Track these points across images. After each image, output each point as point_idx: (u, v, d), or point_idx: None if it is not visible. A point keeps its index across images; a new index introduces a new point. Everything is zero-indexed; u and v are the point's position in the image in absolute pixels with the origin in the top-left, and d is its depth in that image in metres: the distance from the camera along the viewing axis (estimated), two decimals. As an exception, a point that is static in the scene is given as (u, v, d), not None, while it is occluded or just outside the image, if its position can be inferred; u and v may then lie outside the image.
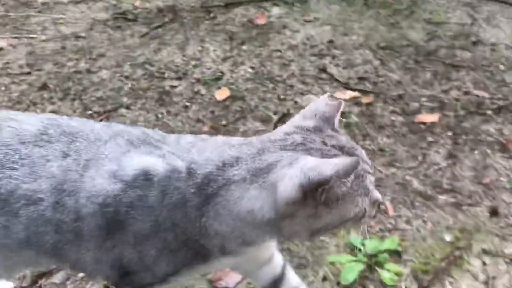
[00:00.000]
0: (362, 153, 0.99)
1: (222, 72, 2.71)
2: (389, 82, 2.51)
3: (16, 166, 1.00)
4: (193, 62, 2.81)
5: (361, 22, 3.06)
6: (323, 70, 2.66)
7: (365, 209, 0.95)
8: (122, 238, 0.98)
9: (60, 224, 0.99)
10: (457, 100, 2.34)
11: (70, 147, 1.01)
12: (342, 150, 0.96)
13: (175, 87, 2.63)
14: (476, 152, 2.04)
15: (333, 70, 2.66)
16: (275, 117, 2.33)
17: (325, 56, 2.78)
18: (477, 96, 2.36)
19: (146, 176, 0.96)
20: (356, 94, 2.44)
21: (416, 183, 1.91)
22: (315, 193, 0.87)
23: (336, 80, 2.56)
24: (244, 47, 2.92)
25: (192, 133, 2.10)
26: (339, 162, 0.86)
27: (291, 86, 2.56)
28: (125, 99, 2.48)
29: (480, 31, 2.89)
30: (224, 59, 2.82)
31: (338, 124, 1.02)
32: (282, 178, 0.89)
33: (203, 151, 0.98)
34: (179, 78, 2.69)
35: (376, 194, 0.99)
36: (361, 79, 2.57)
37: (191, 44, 2.99)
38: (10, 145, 1.01)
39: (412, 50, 2.75)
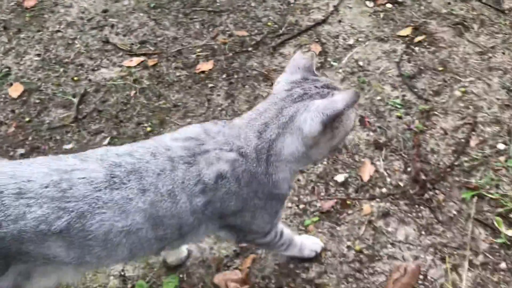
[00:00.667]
0: (339, 85, 1.37)
1: (8, 67, 2.74)
2: (167, 40, 2.84)
3: (105, 211, 1.18)
4: (-27, 64, 2.77)
5: (128, -15, 3.26)
6: (106, 41, 2.86)
7: (354, 121, 1.36)
8: (226, 217, 1.34)
9: (163, 237, 1.29)
10: (224, 44, 2.78)
11: (143, 182, 1.22)
12: (329, 87, 1.32)
13: (-37, 95, 2.61)
14: (246, 87, 2.53)
15: (115, 39, 2.88)
16: (75, 100, 2.52)
17: (104, 26, 2.96)
18: (239, 36, 2.83)
19: (221, 177, 1.26)
20: (141, 58, 2.73)
21: (208, 126, 2.36)
22: (332, 123, 1.25)
23: (120, 49, 2.80)
24: (23, 35, 2.94)
25: None
26: (345, 96, 1.23)
27: (81, 65, 2.73)
28: None
29: (231, -27, 3.32)
30: (6, 53, 2.83)
31: (315, 70, 1.38)
32: (305, 122, 1.24)
33: (239, 135, 1.29)
34: (-36, 85, 2.66)
35: (356, 111, 1.38)
36: (142, 42, 2.84)
37: (-37, 43, 2.90)
38: (89, 195, 1.18)
39: (179, 4, 3.08)
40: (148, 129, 2.33)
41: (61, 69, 2.71)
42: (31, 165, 1.23)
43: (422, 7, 2.92)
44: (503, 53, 2.58)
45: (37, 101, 2.54)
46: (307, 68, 1.36)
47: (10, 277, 1.26)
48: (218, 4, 3.05)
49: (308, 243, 1.81)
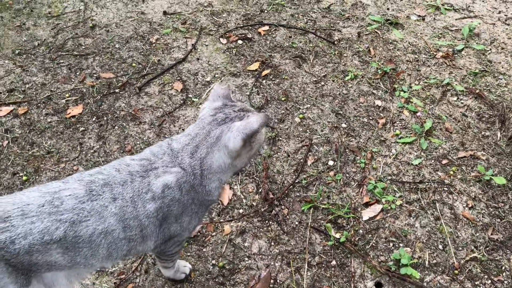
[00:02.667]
0: (251, 107, 1.74)
1: None
2: (36, 87, 2.99)
3: (88, 218, 1.50)
4: None
5: (-11, 31, 3.33)
6: (-28, 92, 2.93)
7: (266, 133, 1.70)
8: (168, 222, 1.67)
9: (131, 237, 1.61)
10: (92, 87, 3.00)
11: (114, 193, 1.55)
12: (244, 110, 1.68)
13: None
14: (116, 127, 2.78)
15: (-19, 89, 2.96)
16: None
17: (-32, 76, 3.02)
18: (105, 78, 3.06)
19: (167, 187, 1.59)
20: (11, 108, 2.85)
21: (81, 168, 2.57)
22: (250, 138, 1.59)
23: (-12, 98, 2.89)
24: None
25: None
26: (259, 118, 1.59)
27: None
28: None
29: (94, 15, 3.53)
30: None
31: (231, 97, 1.74)
32: (229, 140, 1.59)
33: (176, 155, 1.64)
34: None
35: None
36: (10, 91, 2.96)
37: None
38: (76, 207, 1.50)
39: (45, 49, 3.23)
40: (24, 178, 2.50)
41: None
42: (25, 193, 1.53)
43: (268, 42, 3.38)
44: (333, 81, 3.12)
45: None
46: (226, 96, 1.74)
47: (37, 286, 1.59)
48: (83, 47, 3.25)
49: (180, 267, 2.15)
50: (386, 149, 2.72)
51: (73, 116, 2.82)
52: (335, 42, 3.40)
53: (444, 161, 2.64)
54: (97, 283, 2.13)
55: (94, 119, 2.82)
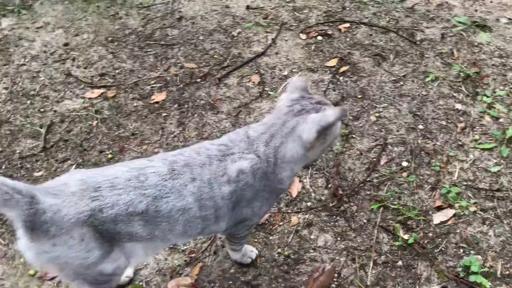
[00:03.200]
0: (328, 101, 1.78)
1: (-21, 100, 3.04)
2: (125, 72, 3.20)
3: (169, 195, 1.62)
4: None
5: (87, 19, 3.59)
6: (69, 74, 3.19)
7: (340, 127, 1.77)
8: (240, 205, 1.76)
9: (206, 217, 1.71)
10: (176, 75, 3.16)
11: (193, 173, 1.65)
12: (321, 103, 1.71)
13: None
14: (195, 115, 2.92)
15: (77, 72, 3.21)
16: (43, 130, 2.84)
17: (66, 60, 3.29)
18: (188, 68, 3.21)
19: (242, 172, 1.68)
20: (101, 90, 3.07)
21: (161, 151, 2.73)
22: (325, 131, 1.63)
23: (82, 81, 3.13)
24: (-10, 69, 3.23)
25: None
26: (335, 112, 1.61)
27: (47, 97, 3.05)
28: None
29: (181, 7, 3.69)
30: (-25, 86, 3.12)
31: (310, 89, 1.77)
32: (303, 131, 1.64)
33: (252, 143, 1.72)
34: None
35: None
36: (102, 75, 3.19)
37: None
38: (159, 184, 1.61)
39: (135, 37, 3.43)
40: (110, 156, 2.69)
41: (28, 101, 3.02)
42: (114, 168, 1.67)
43: (348, 39, 3.38)
44: (412, 81, 3.06)
45: (8, 132, 2.85)
46: (304, 88, 1.77)
47: (118, 254, 1.71)
48: (169, 37, 3.42)
49: (247, 251, 2.23)
50: (464, 154, 2.64)
51: (157, 102, 2.99)
52: (417, 42, 3.33)
53: (527, 171, 2.52)
54: (169, 259, 2.26)
55: (176, 106, 2.97)
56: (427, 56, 3.22)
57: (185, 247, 2.31)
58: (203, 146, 1.78)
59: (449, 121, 2.81)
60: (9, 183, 1.52)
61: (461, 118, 2.81)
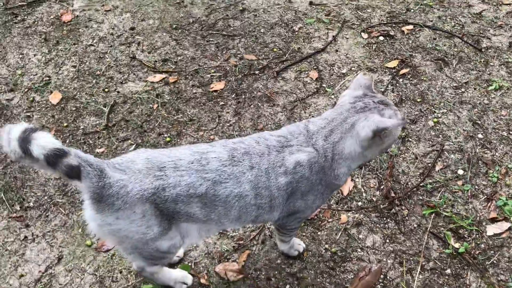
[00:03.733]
0: (391, 101, 1.79)
1: (48, 76, 3.19)
2: (186, 60, 3.28)
3: (228, 181, 1.68)
4: (18, 72, 3.22)
5: (153, 5, 3.69)
6: (133, 57, 3.30)
7: (399, 133, 1.81)
8: (295, 197, 1.79)
9: (260, 205, 1.76)
10: (235, 66, 3.21)
11: (252, 162, 1.70)
12: (383, 103, 1.72)
13: (10, 100, 3.06)
14: (252, 106, 2.96)
15: (141, 56, 3.31)
16: (106, 109, 2.96)
17: (131, 43, 3.40)
18: (248, 59, 3.26)
19: (299, 165, 1.71)
20: (163, 75, 3.17)
21: (216, 138, 2.79)
22: (380, 133, 1.64)
23: (145, 65, 3.24)
24: (60, 47, 3.38)
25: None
26: (394, 120, 1.64)
27: (111, 78, 3.18)
28: (-29, 123, 2.87)
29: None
30: (46, 63, 3.28)
31: (373, 88, 1.77)
32: (363, 128, 1.66)
33: (311, 136, 1.74)
34: (11, 90, 3.11)
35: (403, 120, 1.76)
36: (164, 60, 3.28)
37: (9, 52, 3.35)
38: (219, 169, 1.67)
39: (198, 26, 3.51)
40: (168, 139, 2.77)
41: (94, 80, 3.15)
42: (178, 150, 1.73)
43: (411, 41, 3.34)
44: (475, 89, 2.99)
45: (73, 108, 2.99)
46: (368, 86, 1.78)
47: (174, 233, 1.79)
48: (231, 28, 3.47)
49: (295, 244, 2.26)
50: (524, 167, 2.56)
51: (215, 91, 3.05)
52: (482, 50, 3.24)
53: None
54: (218, 244, 2.32)
55: (233, 95, 3.02)
56: (492, 64, 3.14)
57: (234, 233, 2.36)
58: (262, 136, 1.82)
59: (511, 132, 2.73)
60: (81, 155, 1.61)
61: (524, 130, 2.73)
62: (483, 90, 2.97)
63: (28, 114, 2.96)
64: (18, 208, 2.49)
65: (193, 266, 2.26)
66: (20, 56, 3.31)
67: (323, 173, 1.78)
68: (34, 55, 3.32)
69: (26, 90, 3.10)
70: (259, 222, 1.99)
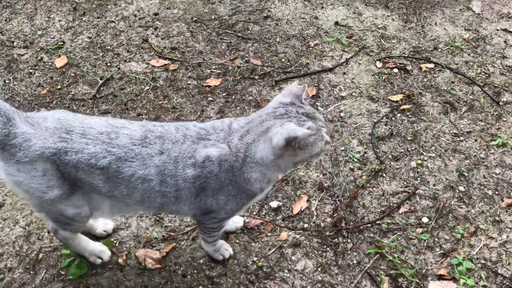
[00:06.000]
0: (320, 115, 1.72)
1: (63, 42, 3.33)
2: (194, 52, 3.30)
3: (133, 161, 1.66)
4: (39, 32, 3.39)
5: (183, -4, 3.77)
6: (145, 40, 3.37)
7: (321, 148, 1.70)
8: (205, 194, 1.74)
9: (165, 193, 1.72)
10: (238, 67, 3.19)
11: (163, 147, 1.67)
12: (308, 115, 1.64)
13: (22, 55, 3.22)
14: (238, 108, 2.92)
15: (153, 40, 3.38)
16: (100, 81, 3.04)
17: (149, 27, 3.49)
18: (253, 64, 3.22)
19: (208, 159, 1.67)
20: (166, 62, 3.21)
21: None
22: (292, 142, 1.57)
23: (154, 49, 3.30)
24: (85, 18, 3.53)
25: (32, 95, 2.78)
26: (304, 130, 1.54)
27: (118, 54, 3.26)
28: (-23, 68, 3.05)
29: (272, 7, 3.72)
30: (66, 29, 3.43)
31: (303, 99, 1.70)
32: (276, 135, 1.58)
33: (230, 134, 1.69)
34: (26, 47, 3.28)
35: (327, 138, 1.70)
36: (173, 49, 3.32)
37: (39, 14, 3.53)
38: (127, 147, 1.66)
39: (217, 24, 3.53)
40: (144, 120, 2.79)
41: (101, 53, 3.25)
42: (94, 119, 1.72)
43: (426, 80, 3.16)
44: (475, 140, 2.77)
45: (72, 74, 3.09)
46: (297, 96, 1.69)
47: (81, 202, 1.79)
48: (249, 32, 3.46)
49: (222, 247, 2.18)
50: (497, 232, 2.32)
51: (209, 86, 3.04)
52: (500, 103, 3.00)
53: None
54: (150, 230, 2.29)
55: (224, 94, 3.00)
56: (504, 119, 2.89)
57: (169, 224, 2.32)
58: (185, 125, 1.77)
59: (497, 192, 2.49)
60: None
61: (512, 194, 2.48)
62: (484, 144, 2.74)
63: (31, 71, 3.10)
64: (-15, 152, 2.60)
65: (117, 245, 2.24)
66: (47, 19, 3.49)
67: (232, 173, 1.71)
68: (59, 20, 3.49)
69: (38, 49, 3.25)
70: (168, 212, 1.94)
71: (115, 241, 2.24)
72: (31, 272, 2.12)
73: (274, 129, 1.62)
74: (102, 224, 2.24)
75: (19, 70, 3.10)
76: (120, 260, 2.16)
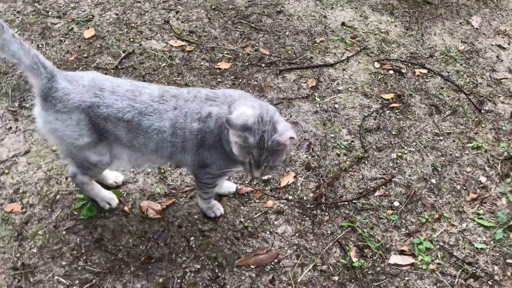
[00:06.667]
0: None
1: (92, 15, 3.66)
2: (209, 37, 3.62)
3: (152, 114, 2.00)
4: (72, 5, 3.72)
5: (204, -15, 4.08)
6: (167, 22, 3.69)
7: (242, 156, 1.97)
8: (203, 147, 2.05)
9: (175, 143, 2.05)
10: (248, 54, 3.51)
11: (177, 104, 2.01)
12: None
13: (55, 24, 3.56)
14: (243, 91, 3.23)
15: (174, 22, 3.70)
16: (123, 54, 3.37)
17: (171, 10, 3.81)
18: (262, 53, 3.54)
19: (209, 115, 1.99)
20: (183, 43, 3.53)
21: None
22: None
23: (173, 31, 3.62)
24: (114, -4, 3.85)
25: (61, 61, 3.12)
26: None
27: (141, 32, 3.59)
28: (15, 30, 3.38)
29: (286, 3, 4.03)
30: (97, 5, 3.76)
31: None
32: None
33: (235, 101, 2.00)
34: (59, 17, 3.61)
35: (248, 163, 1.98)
36: (191, 32, 3.64)
37: (73, -12, 3.86)
38: (147, 103, 2.00)
39: (234, 13, 3.84)
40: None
41: (126, 30, 3.57)
42: (121, 80, 2.07)
43: (417, 83, 3.45)
44: (453, 141, 3.06)
45: (98, 46, 3.42)
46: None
47: (104, 150, 2.11)
48: (261, 24, 3.77)
49: (215, 206, 2.50)
50: (458, 220, 2.62)
51: (219, 69, 3.36)
52: (482, 111, 3.29)
53: (510, 261, 2.45)
54: (154, 186, 2.62)
55: (232, 77, 3.31)
56: (483, 125, 3.18)
57: (171, 183, 2.65)
58: (197, 89, 2.11)
59: (464, 188, 2.79)
60: (40, 58, 1.98)
61: (478, 191, 2.78)
62: (460, 145, 3.04)
63: (62, 39, 3.44)
64: (17, 105, 2.94)
65: (124, 195, 2.57)
66: (80, -7, 3.82)
67: (221, 130, 2.01)
68: (91, -4, 3.82)
69: (70, 20, 3.59)
70: (175, 162, 2.25)
71: (123, 192, 2.57)
72: (49, 209, 2.46)
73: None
74: (113, 176, 2.57)
75: (51, 37, 3.43)
76: (125, 208, 2.50)
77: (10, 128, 2.81)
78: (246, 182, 2.70)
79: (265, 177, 2.64)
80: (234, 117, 1.86)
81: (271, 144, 1.87)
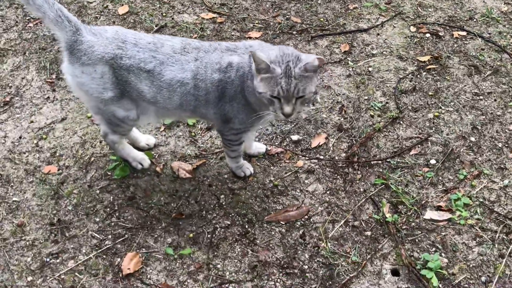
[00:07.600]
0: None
1: (126, -7, 3.74)
2: (240, 8, 3.62)
3: (174, 65, 2.02)
4: (106, -16, 3.81)
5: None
6: (198, -4, 3.72)
7: (273, 92, 1.92)
8: (224, 100, 2.07)
9: (197, 96, 2.07)
10: (279, 23, 3.48)
11: (198, 55, 2.02)
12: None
13: (91, 2, 3.66)
14: (274, 57, 3.21)
15: (205, -3, 3.73)
16: (155, 28, 3.42)
17: (203, -15, 3.83)
18: (293, 21, 3.50)
19: (230, 65, 2.01)
20: (214, 15, 3.54)
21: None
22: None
23: (205, 4, 3.64)
24: (147, -25, 3.92)
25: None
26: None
27: (173, 7, 3.63)
28: (52, 10, 3.50)
29: (318, -26, 3.97)
30: (130, -17, 3.83)
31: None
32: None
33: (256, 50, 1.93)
34: (94, -4, 3.71)
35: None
36: (222, 4, 3.65)
37: (108, -31, 3.95)
38: (169, 54, 2.02)
39: (265, -15, 3.83)
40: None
41: (158, 5, 3.63)
42: (144, 34, 2.11)
43: (456, 45, 3.32)
44: (495, 100, 2.92)
45: (132, 21, 3.49)
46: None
47: (130, 105, 2.14)
48: (289, -7, 3.73)
49: (244, 165, 2.49)
50: (500, 177, 2.50)
51: (250, 37, 3.35)
52: (527, 70, 3.12)
53: (556, 216, 2.31)
54: (185, 148, 2.64)
55: (263, 45, 3.29)
56: (527, 84, 3.02)
57: (202, 145, 2.66)
58: (219, 42, 2.10)
59: (506, 146, 2.66)
60: (64, 12, 2.03)
61: (522, 148, 2.64)
62: (502, 104, 2.90)
63: (97, 16, 3.53)
64: (54, 77, 3.04)
65: (156, 157, 2.60)
66: (114, -26, 3.91)
67: (243, 80, 2.00)
68: (125, -25, 3.89)
69: (105, -1, 3.68)
70: (198, 115, 2.26)
71: (154, 154, 2.61)
72: (84, 170, 2.53)
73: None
74: (145, 138, 2.61)
75: (87, 15, 3.53)
76: (157, 169, 2.53)
77: (48, 98, 2.91)
78: (276, 143, 2.68)
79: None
80: (258, 52, 1.85)
81: (298, 70, 1.85)
